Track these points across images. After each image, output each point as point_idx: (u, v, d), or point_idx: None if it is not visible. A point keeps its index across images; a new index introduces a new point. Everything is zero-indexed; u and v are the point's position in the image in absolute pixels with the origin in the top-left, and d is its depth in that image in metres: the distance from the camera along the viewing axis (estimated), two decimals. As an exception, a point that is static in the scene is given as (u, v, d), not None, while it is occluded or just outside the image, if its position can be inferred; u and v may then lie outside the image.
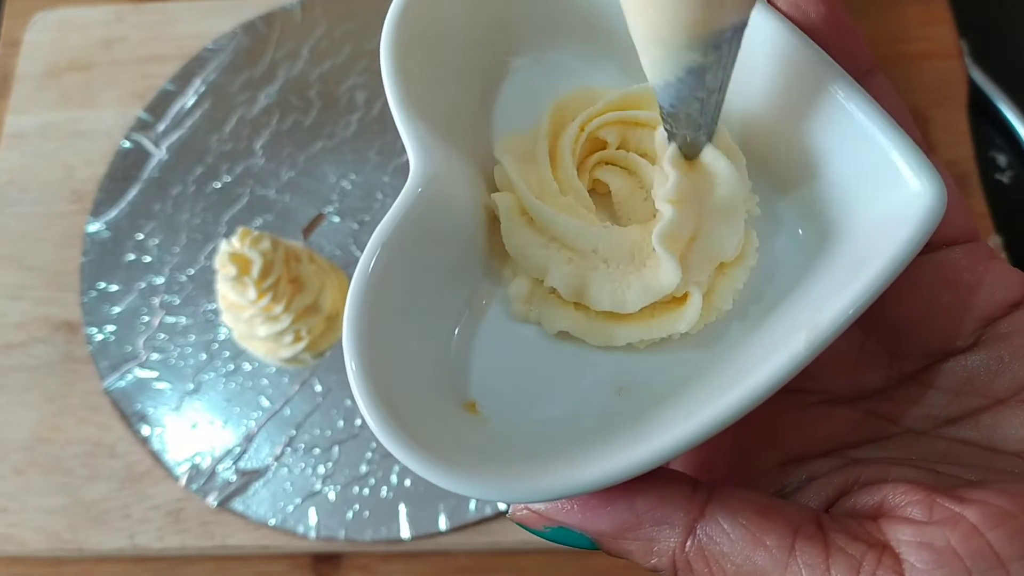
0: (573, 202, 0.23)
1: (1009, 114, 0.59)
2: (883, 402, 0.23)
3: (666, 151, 0.22)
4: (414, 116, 0.23)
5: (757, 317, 0.23)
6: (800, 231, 0.24)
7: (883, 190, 0.21)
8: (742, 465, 0.24)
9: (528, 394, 0.23)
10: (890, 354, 0.23)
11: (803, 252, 0.23)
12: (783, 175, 0.24)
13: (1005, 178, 0.59)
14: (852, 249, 0.21)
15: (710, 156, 0.22)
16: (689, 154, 0.22)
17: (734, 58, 0.19)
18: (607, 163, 0.25)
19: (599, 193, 0.25)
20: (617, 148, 0.24)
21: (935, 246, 0.22)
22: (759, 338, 0.22)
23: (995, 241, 0.55)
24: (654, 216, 0.23)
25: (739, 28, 0.18)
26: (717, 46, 0.18)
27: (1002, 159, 0.59)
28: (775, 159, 0.24)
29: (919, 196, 0.20)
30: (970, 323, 0.22)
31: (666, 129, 0.22)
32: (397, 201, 0.22)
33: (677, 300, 0.23)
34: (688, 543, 0.20)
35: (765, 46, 0.22)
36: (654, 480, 0.20)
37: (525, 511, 0.22)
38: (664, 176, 0.22)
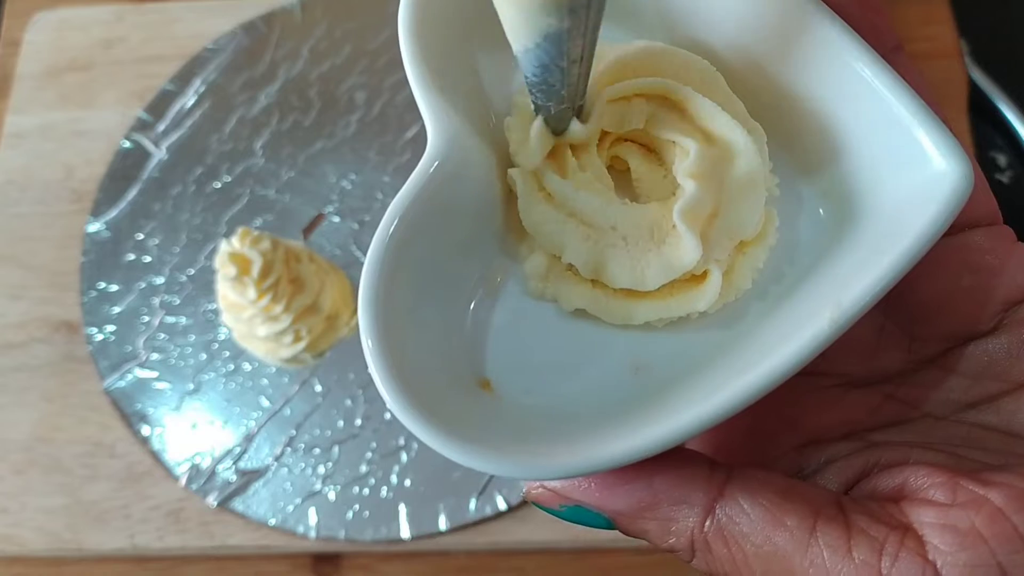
0: (592, 178, 0.23)
1: (1009, 114, 0.59)
2: (902, 386, 0.23)
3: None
4: (432, 88, 0.22)
5: (777, 297, 0.22)
6: (821, 210, 0.23)
7: (908, 169, 0.20)
8: (759, 447, 0.24)
9: (543, 372, 0.23)
10: (909, 337, 0.23)
11: (824, 231, 0.23)
12: (805, 153, 0.23)
13: (1005, 178, 0.59)
14: (876, 228, 0.21)
15: (728, 128, 0.21)
16: (556, 128, 0.21)
17: (596, 25, 0.18)
18: (626, 140, 0.24)
19: (617, 170, 0.24)
20: (640, 128, 0.24)
21: (957, 228, 0.21)
22: (779, 318, 0.22)
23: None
24: (674, 194, 0.23)
25: None
26: (573, 10, 0.17)
27: (1002, 159, 0.59)
28: (797, 137, 0.23)
29: (945, 175, 0.19)
30: (992, 307, 0.22)
31: (532, 102, 0.21)
32: (414, 174, 0.21)
33: (696, 279, 0.22)
34: (707, 523, 0.20)
35: (790, 21, 0.21)
36: (673, 459, 0.20)
37: (541, 489, 0.22)
38: (684, 151, 0.22)
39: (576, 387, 0.22)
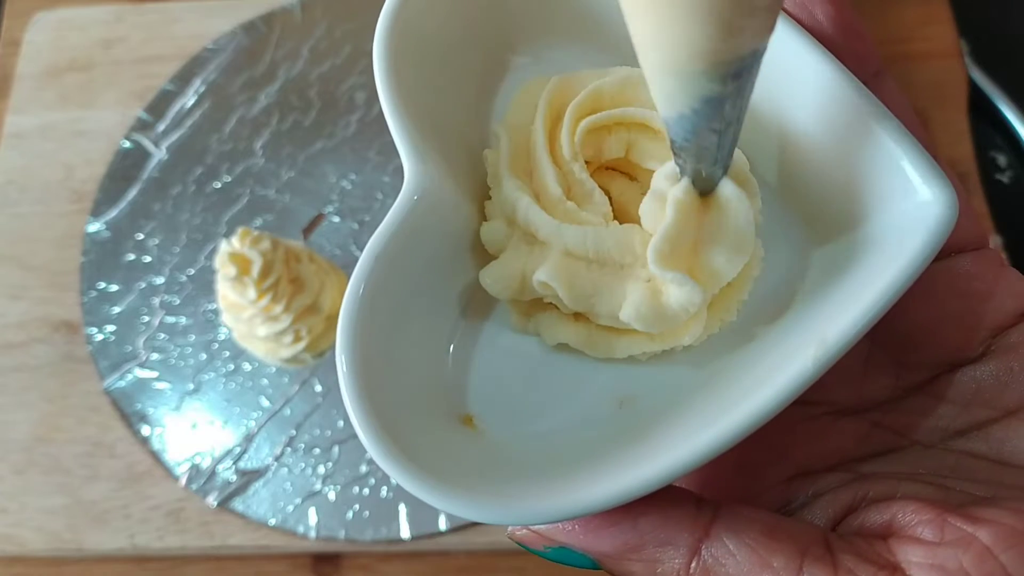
0: (576, 208, 0.22)
1: (1009, 114, 0.59)
2: (889, 414, 0.23)
3: (672, 187, 0.20)
4: (409, 121, 0.22)
5: (762, 329, 0.22)
6: (806, 240, 0.23)
7: (893, 198, 0.20)
8: (747, 480, 0.23)
9: (526, 407, 0.22)
10: (897, 364, 0.23)
11: (809, 262, 0.22)
12: (788, 182, 0.23)
13: (1005, 178, 0.59)
14: (861, 259, 0.21)
15: (728, 192, 0.20)
16: (703, 189, 0.20)
17: (752, 85, 0.18)
18: (608, 168, 0.24)
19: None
20: (622, 156, 0.23)
21: (944, 253, 0.21)
22: (765, 351, 0.21)
23: (995, 241, 0.55)
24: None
25: (759, 54, 0.17)
26: (737, 74, 0.17)
27: (1002, 159, 0.59)
28: (780, 167, 0.23)
29: (930, 205, 0.19)
30: (980, 333, 0.21)
31: (678, 164, 0.20)
32: (391, 211, 0.21)
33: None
34: (693, 564, 0.20)
35: (772, 49, 0.21)
36: (658, 498, 0.20)
37: (525, 531, 0.21)
38: (659, 215, 0.21)
39: (560, 422, 0.22)
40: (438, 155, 0.22)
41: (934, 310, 0.21)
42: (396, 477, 0.19)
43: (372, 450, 0.19)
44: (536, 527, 0.21)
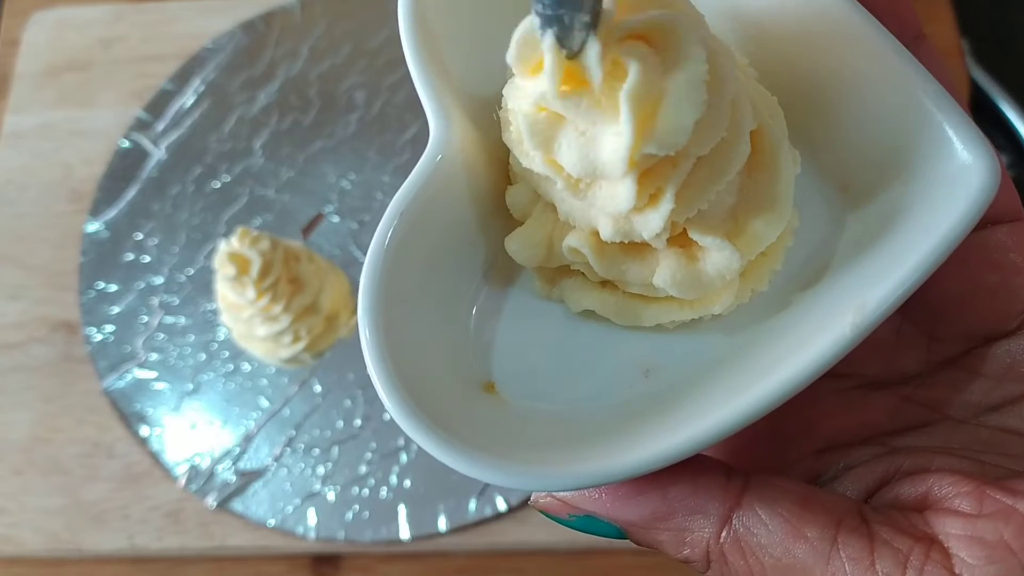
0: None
1: (1010, 114, 0.59)
2: (921, 388, 0.22)
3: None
4: (433, 78, 0.21)
5: (795, 297, 0.22)
6: (841, 208, 0.22)
7: (933, 162, 0.19)
8: (776, 452, 0.23)
9: (550, 374, 0.22)
10: (929, 337, 0.22)
11: (843, 230, 0.22)
12: (825, 148, 0.22)
13: (1006, 178, 0.58)
14: (899, 225, 0.20)
15: (768, 148, 0.19)
16: (570, 46, 0.17)
17: None
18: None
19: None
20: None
21: (980, 224, 0.20)
22: (798, 319, 0.21)
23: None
24: None
25: None
26: None
27: (1003, 159, 0.59)
28: (818, 131, 0.22)
29: (971, 169, 0.19)
30: (1016, 305, 0.21)
31: (537, 13, 0.17)
32: (416, 168, 0.20)
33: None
34: (724, 534, 0.19)
35: (811, 9, 0.21)
36: (687, 467, 0.19)
37: (549, 499, 0.21)
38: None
39: (584, 390, 0.22)
40: (463, 114, 0.22)
41: (968, 282, 0.21)
42: (420, 440, 0.18)
43: (394, 411, 0.18)
44: (561, 495, 0.21)
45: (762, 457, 0.23)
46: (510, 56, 0.19)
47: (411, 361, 0.20)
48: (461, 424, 0.19)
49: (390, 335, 0.19)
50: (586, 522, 0.21)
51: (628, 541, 0.21)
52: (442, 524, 0.50)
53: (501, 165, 0.23)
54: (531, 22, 0.18)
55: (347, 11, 0.65)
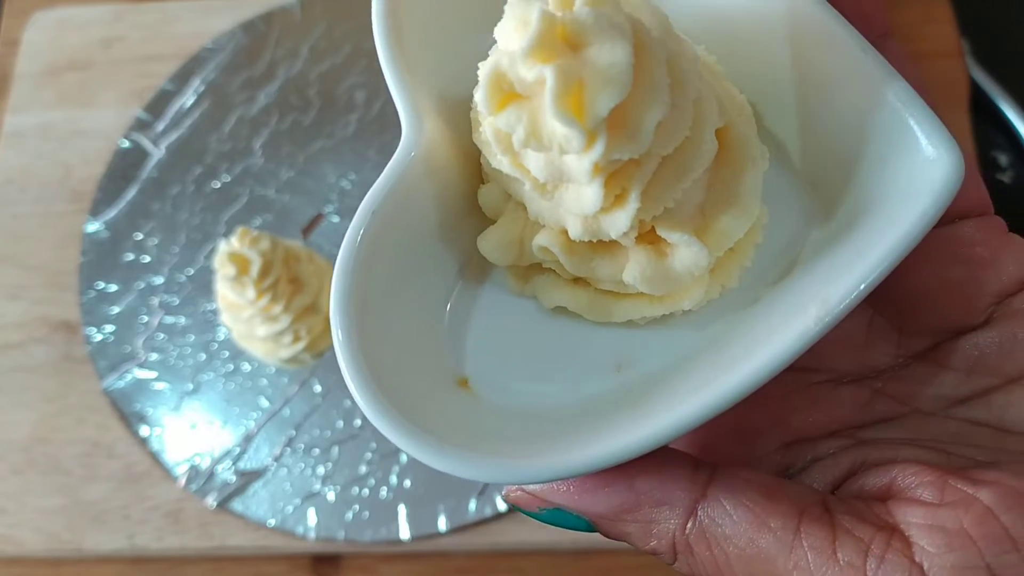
0: None
1: (1010, 114, 0.59)
2: (891, 381, 0.22)
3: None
4: (406, 76, 0.22)
5: (764, 292, 0.22)
6: (810, 205, 0.22)
7: (898, 157, 0.20)
8: (744, 446, 0.23)
9: (523, 370, 0.22)
10: (898, 331, 0.22)
11: (812, 227, 0.22)
12: (794, 145, 0.23)
13: (1006, 178, 0.58)
14: (864, 220, 0.20)
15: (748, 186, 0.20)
16: None
17: None
18: None
19: None
20: None
21: (947, 219, 0.21)
22: (766, 313, 0.21)
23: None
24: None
25: None
26: None
27: (1003, 159, 0.59)
28: (786, 128, 0.23)
29: (936, 164, 0.19)
30: (983, 299, 0.21)
31: None
32: (388, 167, 0.21)
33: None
34: (689, 525, 0.20)
35: (780, 8, 0.21)
36: (654, 460, 0.20)
37: (520, 492, 0.21)
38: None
39: (557, 385, 0.22)
40: (436, 113, 0.22)
41: (936, 277, 0.21)
42: (389, 434, 0.19)
43: (364, 406, 0.19)
44: (531, 488, 0.21)
45: (732, 451, 0.23)
46: (478, 97, 0.19)
47: (384, 357, 0.20)
48: (433, 419, 0.19)
49: (363, 332, 0.19)
50: (556, 515, 0.21)
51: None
52: (442, 524, 0.50)
53: (474, 164, 0.23)
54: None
55: (347, 11, 0.65)
